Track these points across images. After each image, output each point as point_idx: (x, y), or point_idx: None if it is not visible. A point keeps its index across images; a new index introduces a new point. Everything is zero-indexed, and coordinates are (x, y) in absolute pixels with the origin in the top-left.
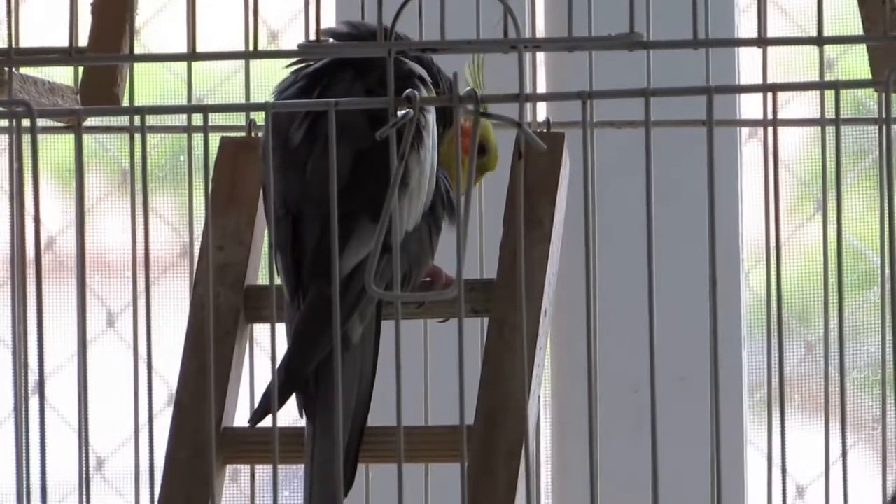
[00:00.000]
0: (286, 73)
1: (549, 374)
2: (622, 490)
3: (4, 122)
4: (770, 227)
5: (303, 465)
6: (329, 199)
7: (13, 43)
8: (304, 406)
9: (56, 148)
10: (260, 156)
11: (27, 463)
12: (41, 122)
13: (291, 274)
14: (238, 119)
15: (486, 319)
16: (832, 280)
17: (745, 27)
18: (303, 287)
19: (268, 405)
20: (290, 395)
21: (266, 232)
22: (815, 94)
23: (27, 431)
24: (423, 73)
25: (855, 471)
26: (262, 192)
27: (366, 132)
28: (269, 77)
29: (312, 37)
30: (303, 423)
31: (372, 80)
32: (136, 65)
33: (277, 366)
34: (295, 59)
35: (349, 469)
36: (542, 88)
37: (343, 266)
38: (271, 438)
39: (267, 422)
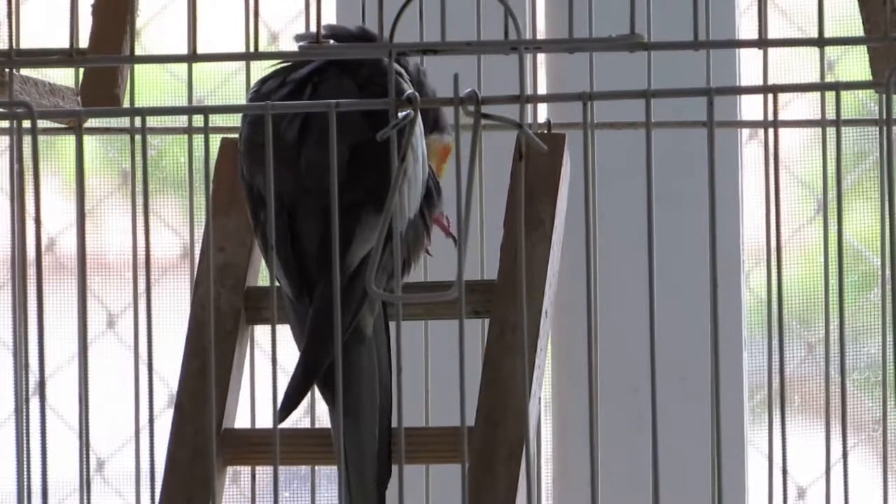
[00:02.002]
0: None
1: (549, 375)
2: (623, 490)
3: (5, 124)
4: (770, 229)
5: (304, 466)
6: (330, 191)
7: (14, 44)
8: (331, 401)
9: (57, 149)
10: (241, 155)
11: (28, 464)
12: (42, 124)
13: (294, 271)
14: (238, 120)
15: (486, 320)
16: (833, 281)
17: (746, 28)
18: (308, 283)
19: (289, 402)
20: (308, 390)
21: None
22: (815, 95)
23: (28, 432)
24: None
25: (856, 472)
26: (248, 191)
27: (360, 123)
28: None
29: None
30: (302, 424)
31: (361, 75)
32: (136, 66)
33: (296, 362)
34: (277, 63)
35: (384, 458)
36: (542, 89)
37: (351, 258)
38: (272, 440)
39: (268, 422)
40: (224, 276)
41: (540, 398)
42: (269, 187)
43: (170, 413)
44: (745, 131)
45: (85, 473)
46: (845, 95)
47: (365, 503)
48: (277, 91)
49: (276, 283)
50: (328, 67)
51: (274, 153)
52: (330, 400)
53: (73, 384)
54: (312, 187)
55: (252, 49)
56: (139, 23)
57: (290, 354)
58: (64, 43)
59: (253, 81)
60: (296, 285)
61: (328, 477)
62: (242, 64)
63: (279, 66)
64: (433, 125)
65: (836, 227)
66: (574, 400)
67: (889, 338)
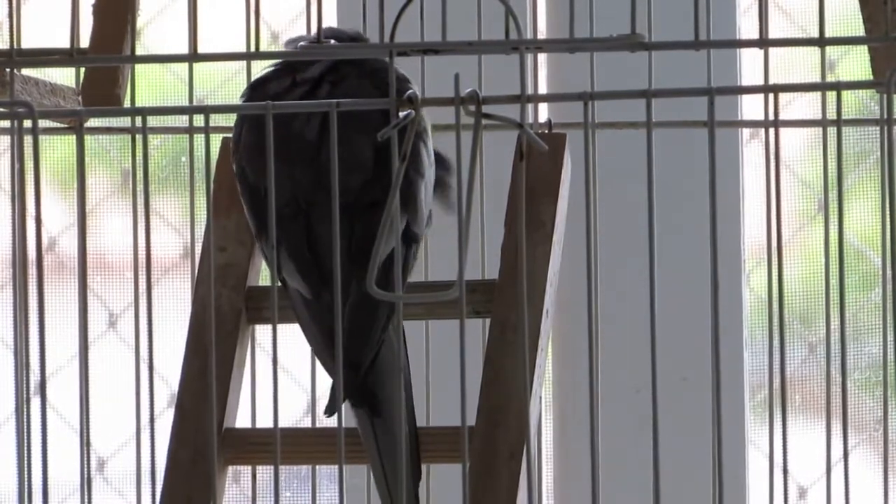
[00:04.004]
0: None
1: (550, 375)
2: (624, 490)
3: (6, 123)
4: (771, 228)
5: (305, 466)
6: (353, 189)
7: (15, 44)
8: (358, 402)
9: (57, 149)
10: (243, 156)
11: (29, 463)
12: (43, 123)
13: (313, 270)
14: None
15: (487, 320)
16: (834, 281)
17: (747, 28)
18: (327, 282)
19: (342, 394)
20: (355, 388)
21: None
22: (816, 95)
23: (29, 432)
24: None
25: (857, 472)
26: (252, 193)
27: (382, 122)
28: None
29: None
30: (303, 424)
31: (378, 77)
32: (137, 66)
33: (338, 362)
34: (276, 62)
35: (416, 456)
36: (543, 89)
37: (381, 254)
38: (273, 439)
39: (269, 422)
40: (225, 275)
41: (541, 398)
42: (270, 187)
43: (171, 413)
44: (746, 131)
45: (86, 473)
46: (846, 95)
47: (401, 501)
48: (290, 91)
49: (279, 283)
50: (340, 66)
51: (289, 153)
52: (360, 401)
53: (74, 384)
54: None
55: (253, 49)
56: (140, 22)
57: (291, 354)
58: (65, 43)
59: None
60: (314, 285)
61: (329, 477)
62: (243, 64)
63: (272, 68)
64: None
65: (837, 227)
66: (575, 400)
67: (890, 337)
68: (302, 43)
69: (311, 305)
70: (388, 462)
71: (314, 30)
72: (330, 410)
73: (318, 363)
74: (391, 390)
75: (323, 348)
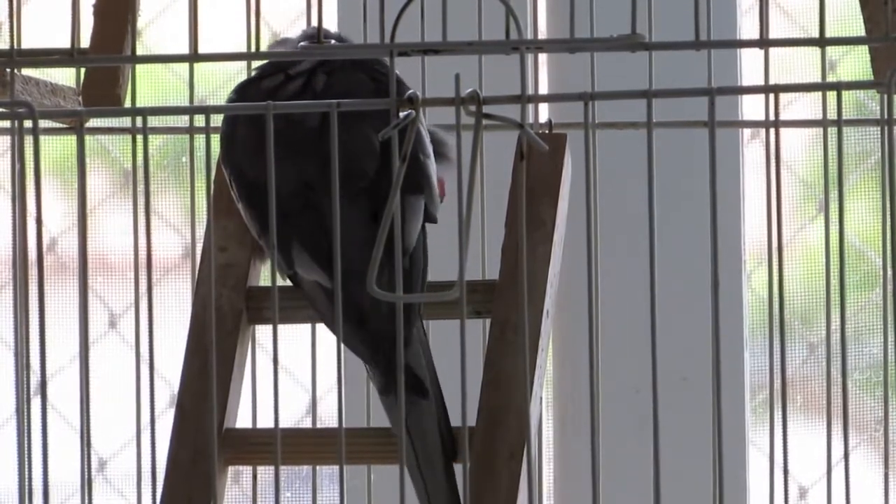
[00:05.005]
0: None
1: (551, 375)
2: (624, 490)
3: (6, 124)
4: (772, 229)
5: (305, 466)
6: (368, 172)
7: (15, 44)
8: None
9: (58, 149)
10: (235, 155)
11: (29, 464)
12: (43, 124)
13: (326, 267)
14: None
15: (487, 320)
16: (834, 281)
17: (747, 28)
18: (346, 270)
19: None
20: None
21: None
22: (816, 95)
23: (29, 433)
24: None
25: (857, 472)
26: (250, 189)
27: (384, 111)
28: None
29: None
30: (304, 424)
31: (368, 67)
32: (137, 66)
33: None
34: (263, 63)
35: (448, 436)
36: (543, 89)
37: (409, 240)
38: (273, 440)
39: (269, 422)
40: (225, 275)
41: (541, 398)
42: (270, 187)
43: (171, 413)
44: (747, 131)
45: (86, 473)
46: (846, 95)
47: (435, 485)
48: (284, 86)
49: (288, 282)
50: (328, 60)
51: (291, 142)
52: (392, 386)
53: (75, 384)
54: (349, 173)
55: (253, 49)
56: (141, 22)
57: (291, 354)
58: (65, 43)
59: None
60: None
61: (330, 477)
62: (244, 64)
63: (260, 69)
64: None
65: (837, 227)
66: (575, 400)
67: (891, 337)
68: (303, 43)
69: (333, 295)
70: (421, 452)
71: (306, 32)
72: (385, 391)
73: (318, 363)
74: (425, 374)
75: (351, 336)
